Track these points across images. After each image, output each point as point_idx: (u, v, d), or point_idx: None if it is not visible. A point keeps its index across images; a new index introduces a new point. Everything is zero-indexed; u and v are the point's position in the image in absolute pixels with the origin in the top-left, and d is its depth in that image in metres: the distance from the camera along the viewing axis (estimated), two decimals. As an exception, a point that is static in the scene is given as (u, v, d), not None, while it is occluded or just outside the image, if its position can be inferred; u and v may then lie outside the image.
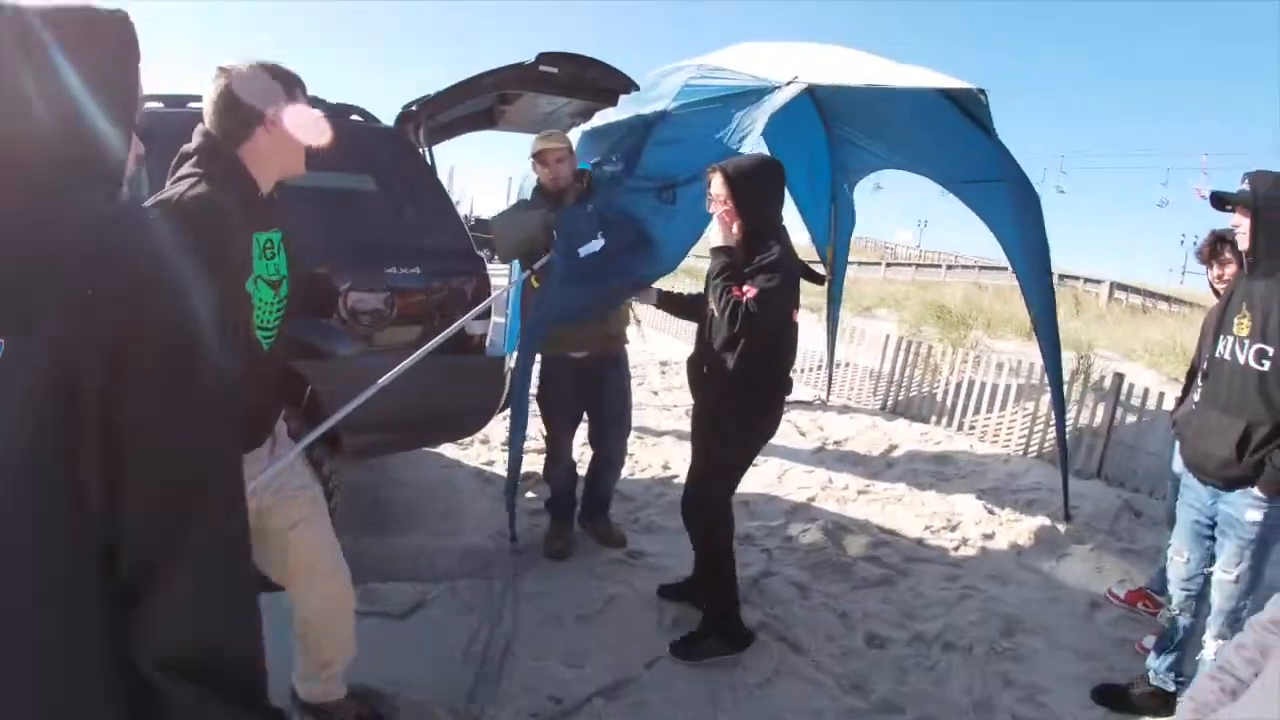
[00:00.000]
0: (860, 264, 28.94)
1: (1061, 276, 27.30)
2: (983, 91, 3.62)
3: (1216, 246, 3.38)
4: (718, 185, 2.99)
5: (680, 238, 3.42)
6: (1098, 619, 3.73)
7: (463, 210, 4.30)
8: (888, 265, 31.47)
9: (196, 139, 1.97)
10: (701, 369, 3.18)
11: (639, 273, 3.53)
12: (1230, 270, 3.32)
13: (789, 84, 3.30)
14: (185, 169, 1.96)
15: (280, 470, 2.19)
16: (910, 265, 32.17)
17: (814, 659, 3.23)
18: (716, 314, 3.00)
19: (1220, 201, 2.71)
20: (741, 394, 3.06)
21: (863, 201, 5.55)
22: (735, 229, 3.00)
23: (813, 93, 5.14)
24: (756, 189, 2.98)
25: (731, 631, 3.21)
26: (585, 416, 4.03)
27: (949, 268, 30.62)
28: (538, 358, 3.73)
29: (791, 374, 3.23)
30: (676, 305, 3.57)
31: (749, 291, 2.89)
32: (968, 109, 3.88)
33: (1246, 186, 2.62)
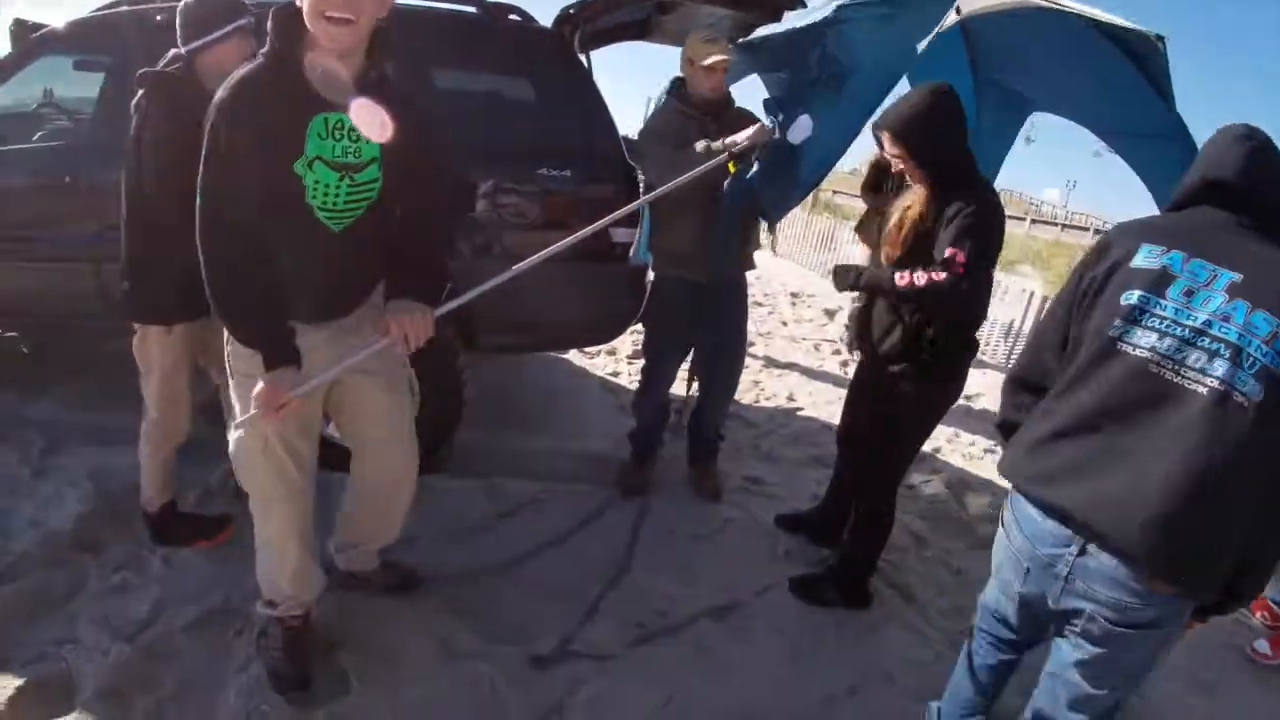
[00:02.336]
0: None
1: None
2: (1160, 38, 3.24)
3: None
4: (890, 145, 2.68)
5: (840, 133, 3.17)
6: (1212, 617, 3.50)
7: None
8: (1032, 221, 29.89)
9: (272, 17, 1.94)
10: (876, 336, 2.88)
11: (801, 174, 3.21)
12: None
13: None
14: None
15: (373, 351, 2.18)
16: (1056, 224, 30.44)
17: (924, 611, 3.16)
18: (905, 286, 2.61)
19: None
20: (927, 371, 2.77)
21: (1012, 154, 5.10)
22: (921, 185, 2.68)
23: (966, 30, 4.80)
24: (929, 131, 2.60)
25: (857, 590, 3.12)
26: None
27: (1096, 231, 28.91)
28: (650, 276, 3.56)
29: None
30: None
31: (955, 256, 2.48)
32: (1139, 58, 3.51)
33: None
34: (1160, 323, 1.59)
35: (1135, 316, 1.61)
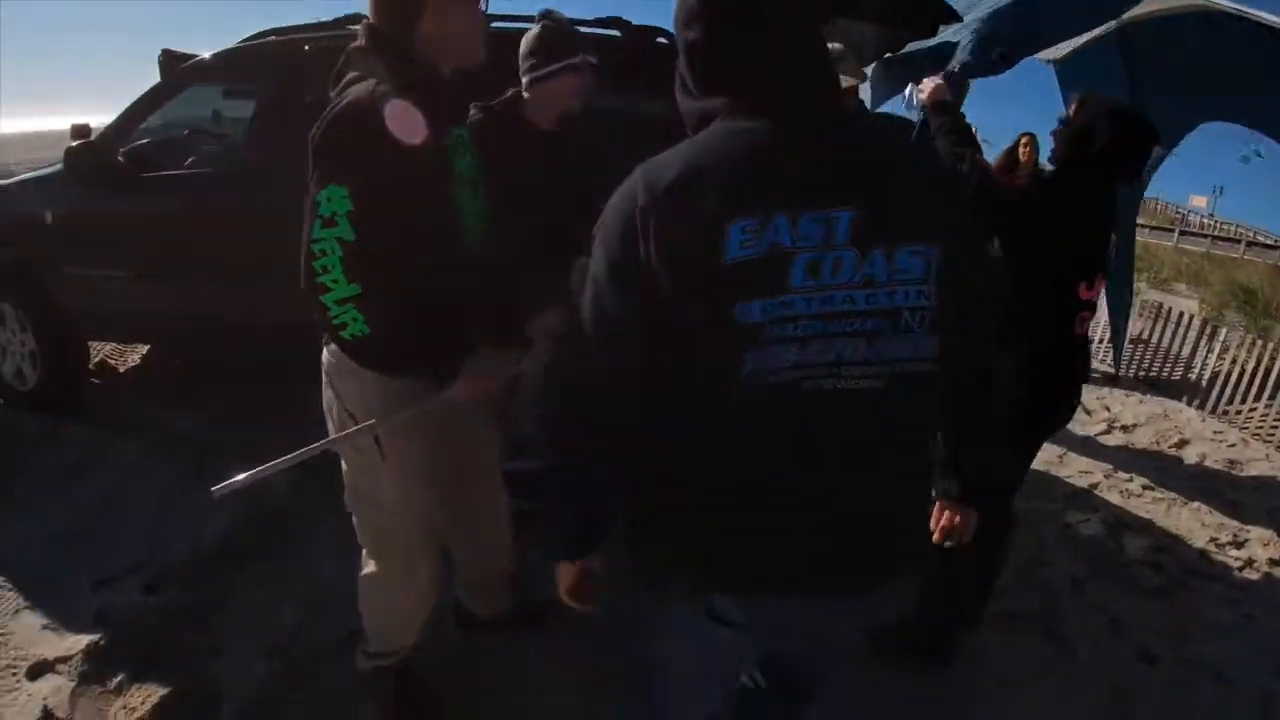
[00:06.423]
0: (1150, 229, 25.97)
1: None
2: None
3: None
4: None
5: None
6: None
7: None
8: (1180, 234, 28.19)
9: (363, 34, 1.76)
10: None
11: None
12: None
13: None
14: (357, 69, 1.74)
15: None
16: (1205, 236, 28.59)
17: (1082, 662, 2.96)
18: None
19: None
20: None
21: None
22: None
23: (1124, 42, 4.51)
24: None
25: None
26: None
27: (1249, 244, 27.06)
28: None
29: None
30: None
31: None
32: None
33: None
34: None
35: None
